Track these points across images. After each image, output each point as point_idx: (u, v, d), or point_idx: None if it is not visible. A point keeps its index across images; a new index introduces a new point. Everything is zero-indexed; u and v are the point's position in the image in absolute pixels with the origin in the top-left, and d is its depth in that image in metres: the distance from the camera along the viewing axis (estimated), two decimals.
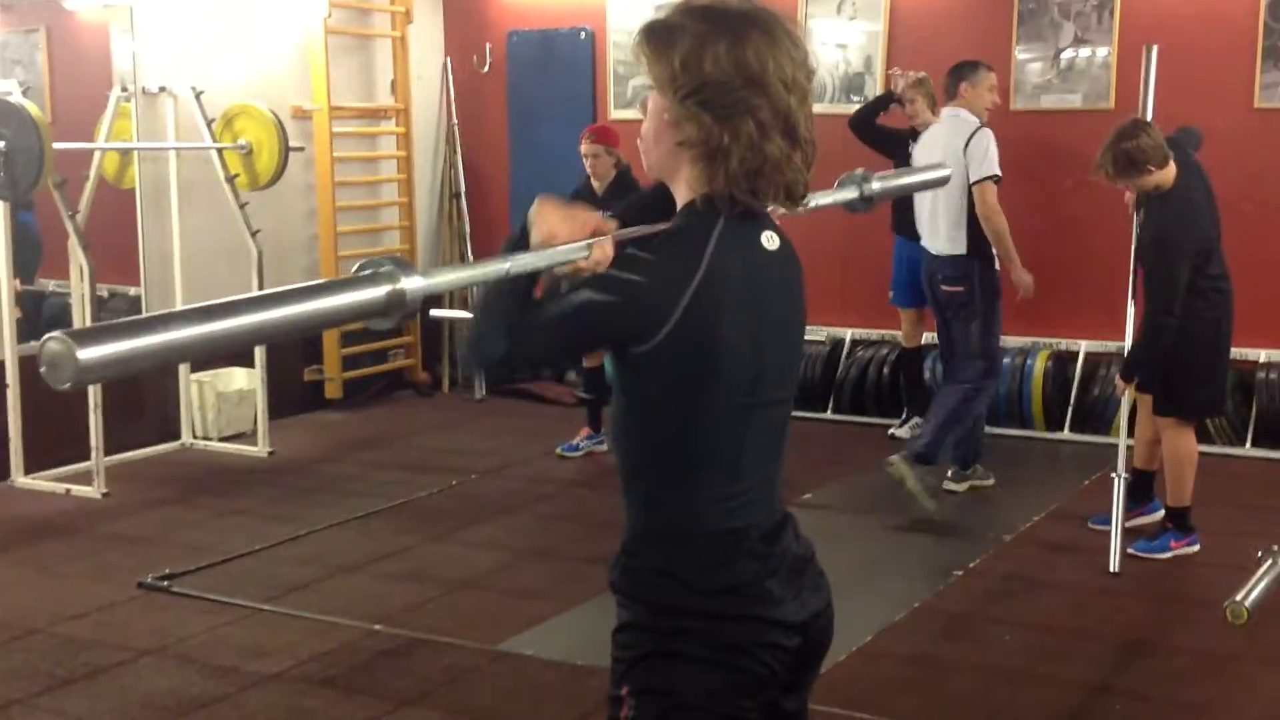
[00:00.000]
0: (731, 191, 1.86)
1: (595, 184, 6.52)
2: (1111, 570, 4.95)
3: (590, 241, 1.83)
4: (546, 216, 1.88)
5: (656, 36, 1.88)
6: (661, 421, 1.92)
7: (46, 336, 1.46)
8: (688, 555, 1.92)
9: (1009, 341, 7.31)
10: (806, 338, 7.60)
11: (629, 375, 1.91)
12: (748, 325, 1.89)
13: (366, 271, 1.70)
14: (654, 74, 1.88)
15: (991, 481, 6.14)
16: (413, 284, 1.70)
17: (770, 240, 1.96)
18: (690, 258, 1.85)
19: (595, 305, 1.83)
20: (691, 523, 1.93)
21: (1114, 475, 5.04)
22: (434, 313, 8.12)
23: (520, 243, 1.89)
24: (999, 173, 5.97)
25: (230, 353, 7.24)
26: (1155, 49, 5.28)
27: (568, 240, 1.83)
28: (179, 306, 7.03)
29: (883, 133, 6.92)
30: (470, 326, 1.93)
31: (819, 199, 2.18)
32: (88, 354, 1.44)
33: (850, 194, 2.31)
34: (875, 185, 2.33)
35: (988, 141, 5.96)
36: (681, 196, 1.94)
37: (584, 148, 6.52)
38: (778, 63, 1.84)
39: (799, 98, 1.88)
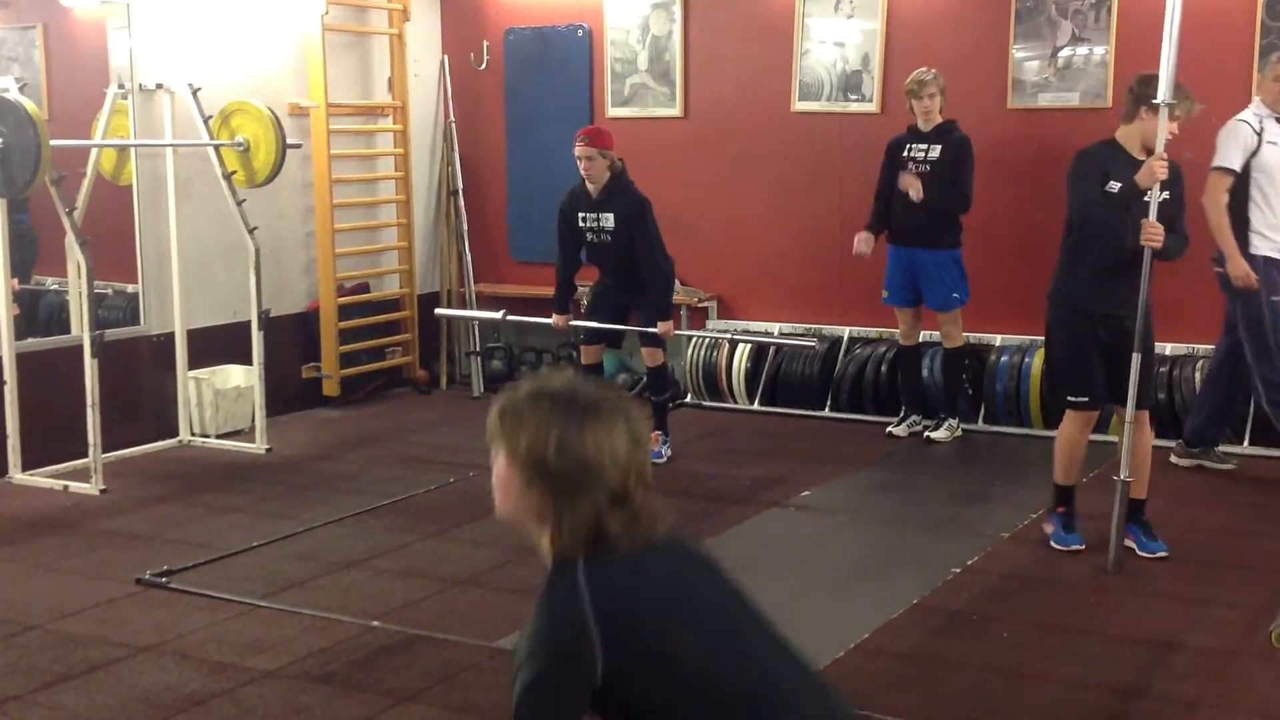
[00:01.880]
0: (576, 546, 2.00)
1: (590, 187, 6.51)
2: (1109, 569, 4.96)
3: None
4: None
5: (509, 418, 2.05)
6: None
7: None
8: None
9: (1006, 340, 7.33)
10: (803, 339, 7.65)
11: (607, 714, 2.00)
12: (678, 612, 2.01)
13: None
14: (502, 446, 2.05)
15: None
16: None
17: (649, 553, 2.05)
18: (571, 601, 1.96)
19: (535, 684, 1.94)
20: None
21: (1115, 478, 5.02)
22: (438, 312, 8.12)
23: None
24: (1230, 165, 5.96)
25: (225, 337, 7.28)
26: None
27: None
28: (177, 303, 7.04)
29: (887, 169, 6.98)
30: None
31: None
32: None
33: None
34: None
35: (1229, 131, 5.99)
36: (545, 555, 2.06)
37: (578, 150, 6.48)
38: (613, 447, 2.00)
39: (635, 479, 2.02)
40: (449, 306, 8.80)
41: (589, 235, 6.59)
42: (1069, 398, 5.25)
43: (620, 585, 1.99)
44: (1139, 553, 5.14)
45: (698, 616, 2.02)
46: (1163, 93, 4.94)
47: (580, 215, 6.58)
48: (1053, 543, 5.25)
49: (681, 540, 2.12)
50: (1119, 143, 5.15)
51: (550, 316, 6.86)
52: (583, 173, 6.50)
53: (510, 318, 7.37)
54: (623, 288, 6.66)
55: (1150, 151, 5.00)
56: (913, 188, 6.75)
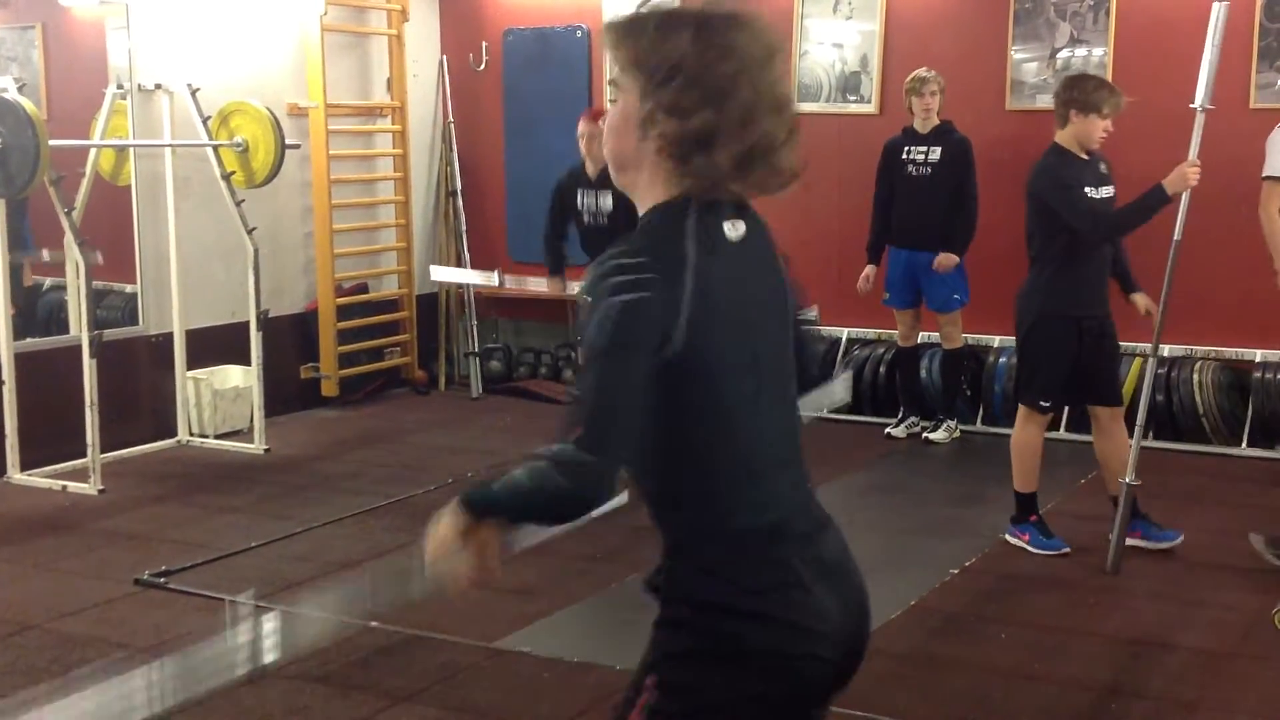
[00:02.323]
0: (713, 183, 1.84)
1: (589, 166, 6.49)
2: (1108, 569, 4.96)
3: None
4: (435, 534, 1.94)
5: (631, 30, 1.87)
6: (676, 430, 1.90)
7: None
8: (728, 553, 1.92)
9: (1005, 341, 7.33)
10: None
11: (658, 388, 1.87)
12: (735, 314, 1.89)
13: None
14: (630, 60, 1.85)
15: None
16: None
17: (734, 228, 1.94)
18: (674, 249, 1.83)
19: (628, 307, 1.77)
20: (725, 523, 1.93)
21: (1121, 480, 5.02)
22: (434, 272, 8.12)
23: None
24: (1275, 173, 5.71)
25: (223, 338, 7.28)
26: (1223, 7, 5.01)
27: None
28: (176, 303, 7.04)
29: (885, 173, 6.98)
30: (534, 488, 1.87)
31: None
32: None
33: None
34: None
35: (1277, 137, 5.74)
36: (644, 201, 1.91)
37: (581, 127, 6.48)
38: (754, 43, 1.83)
39: (770, 100, 1.85)
40: (448, 307, 8.80)
41: (586, 217, 6.57)
42: (1041, 403, 5.26)
43: (717, 261, 1.83)
44: (1153, 546, 5.15)
45: (747, 338, 1.90)
46: (1200, 98, 4.94)
47: (579, 193, 6.55)
48: (1033, 550, 5.23)
49: (770, 240, 2.01)
50: (1064, 147, 5.17)
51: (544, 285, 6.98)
52: (584, 151, 6.47)
53: (507, 278, 7.38)
54: None
55: (1089, 152, 5.13)
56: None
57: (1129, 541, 5.24)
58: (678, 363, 1.81)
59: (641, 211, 1.92)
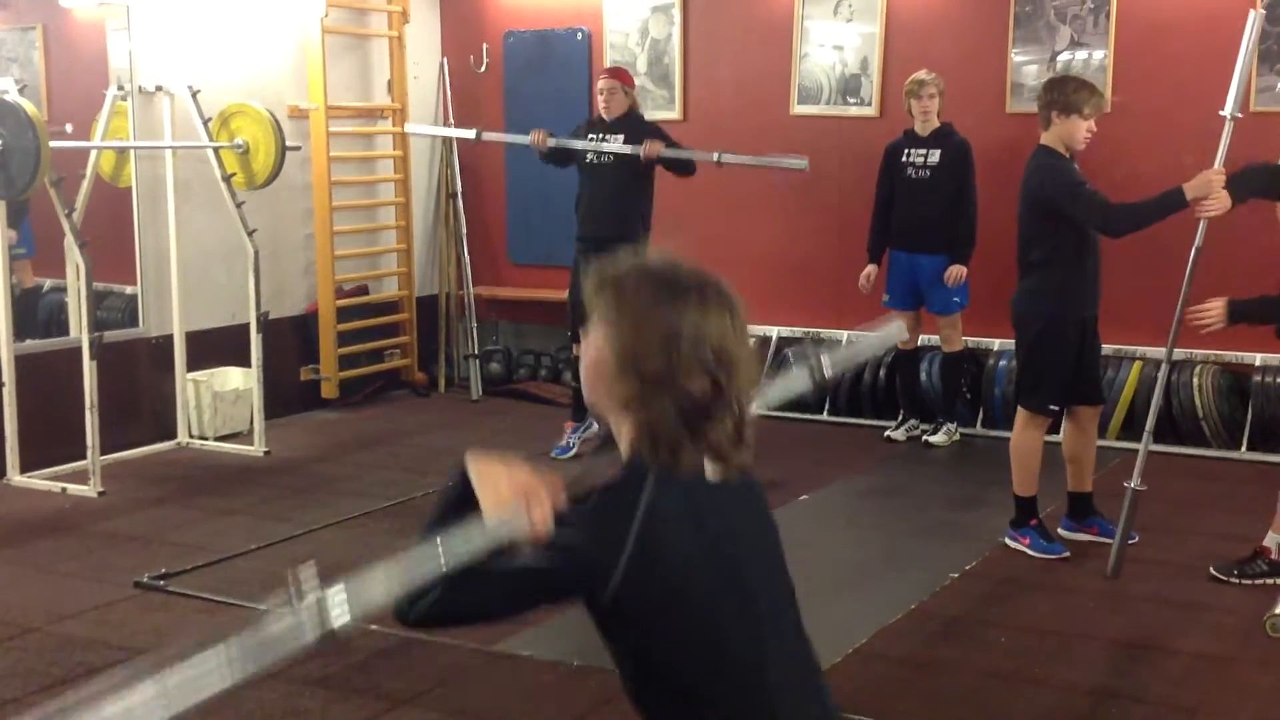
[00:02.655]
0: (657, 453, 1.87)
1: (605, 115, 6.72)
2: (1109, 574, 4.95)
3: (531, 512, 1.80)
4: (491, 477, 1.86)
5: (608, 292, 1.90)
6: (669, 672, 1.90)
7: None
8: None
9: (1005, 344, 7.33)
10: (804, 346, 7.66)
11: (613, 635, 1.92)
12: (710, 558, 1.89)
13: (285, 619, 1.67)
14: (601, 327, 1.91)
15: None
16: (341, 618, 1.68)
17: (713, 470, 1.94)
18: (624, 513, 1.84)
19: (536, 573, 1.83)
20: None
21: (1125, 484, 5.02)
22: (409, 128, 8.16)
23: (458, 501, 1.89)
24: None
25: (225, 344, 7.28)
26: (1259, 16, 5.06)
27: (512, 504, 1.81)
28: (176, 305, 7.02)
29: (886, 175, 6.99)
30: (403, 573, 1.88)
31: (768, 395, 2.18)
32: None
33: (803, 383, 2.26)
34: (828, 369, 2.27)
35: None
36: (620, 440, 1.94)
37: (601, 83, 6.79)
38: (714, 338, 1.87)
39: (734, 366, 1.89)
40: (448, 310, 8.81)
41: (589, 156, 6.70)
42: (1049, 406, 5.27)
43: (676, 519, 1.86)
44: (1109, 541, 5.14)
45: (734, 582, 1.91)
46: (1230, 106, 4.91)
47: (589, 135, 6.77)
48: (1033, 554, 5.24)
49: (753, 483, 2.00)
50: (1052, 148, 5.17)
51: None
52: (602, 105, 6.75)
53: (485, 135, 7.45)
54: (606, 232, 6.55)
55: (1071, 153, 5.16)
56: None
57: (1085, 536, 5.36)
58: (630, 601, 1.84)
59: (620, 444, 1.94)
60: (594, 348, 1.91)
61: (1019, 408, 5.39)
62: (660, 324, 1.85)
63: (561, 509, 1.81)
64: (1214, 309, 4.77)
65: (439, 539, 1.80)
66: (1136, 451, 5.06)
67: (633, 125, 6.71)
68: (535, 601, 1.93)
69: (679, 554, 1.86)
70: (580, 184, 6.78)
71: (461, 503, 1.88)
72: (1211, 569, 4.96)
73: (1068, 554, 5.23)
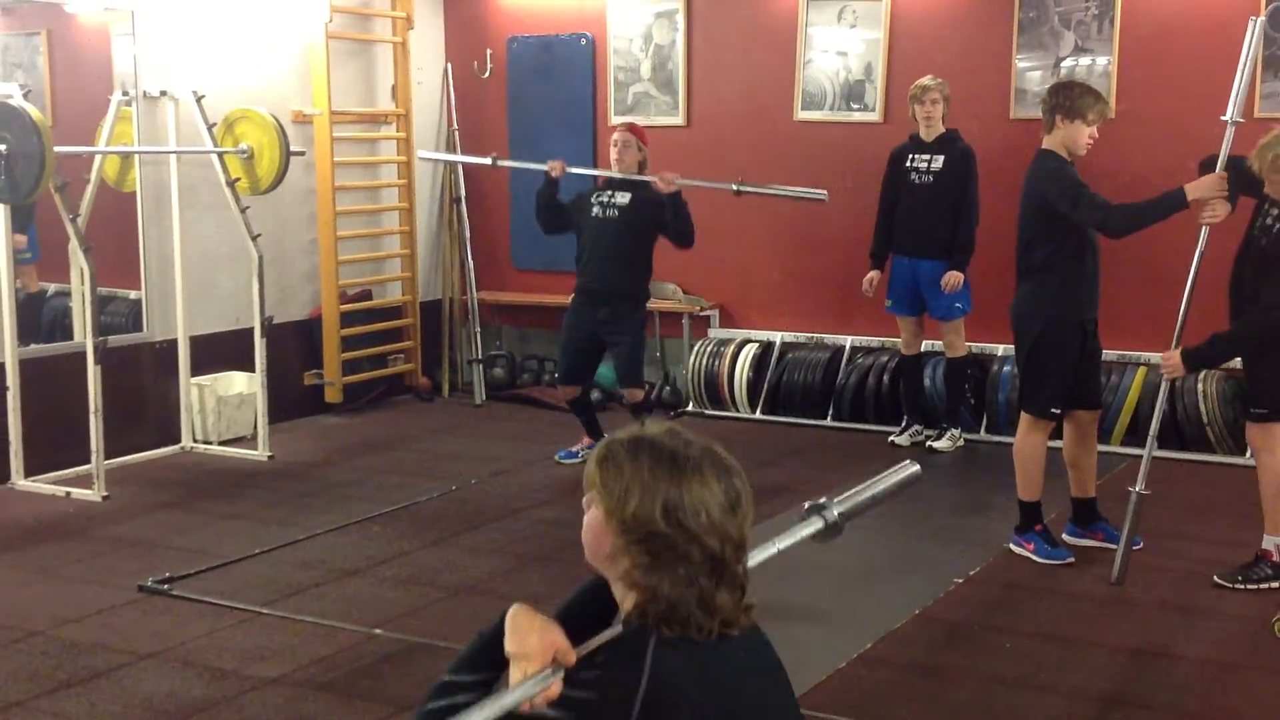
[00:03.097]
0: (659, 625, 1.91)
1: (616, 169, 6.69)
2: (1114, 580, 4.95)
3: (541, 678, 1.85)
4: (520, 630, 1.92)
5: (610, 469, 1.95)
6: None
7: None
8: None
9: (1008, 350, 7.33)
10: (808, 352, 7.67)
11: None
12: (719, 713, 1.90)
13: None
14: (601, 501, 1.96)
15: None
16: None
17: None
18: (632, 666, 1.88)
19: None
20: None
21: (1130, 489, 5.02)
22: (421, 154, 8.17)
23: (491, 637, 1.97)
24: None
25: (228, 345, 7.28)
26: (1260, 21, 5.08)
27: (535, 665, 1.86)
28: (180, 310, 7.04)
29: (890, 180, 7.00)
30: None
31: (777, 544, 2.19)
32: None
33: (814, 527, 2.25)
34: (835, 511, 2.26)
35: None
36: (622, 604, 1.98)
37: (616, 136, 6.75)
38: (716, 517, 1.91)
39: (733, 548, 1.93)
40: (451, 314, 8.81)
41: (595, 209, 6.68)
42: (1052, 410, 5.28)
43: (682, 683, 1.89)
44: (1113, 546, 5.16)
45: None
46: (1231, 111, 4.91)
47: (595, 195, 6.74)
48: (1038, 559, 5.24)
49: (758, 636, 2.02)
50: (1054, 152, 5.19)
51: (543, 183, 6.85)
52: (615, 158, 6.71)
53: (500, 162, 7.41)
54: (608, 285, 6.64)
55: (1073, 158, 5.18)
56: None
57: (1089, 542, 5.36)
58: None
59: (618, 602, 1.98)
60: (595, 519, 1.97)
61: (1022, 413, 5.38)
62: (662, 497, 1.90)
63: (572, 667, 1.88)
64: (1171, 361, 4.90)
65: (460, 674, 1.95)
66: (1141, 457, 5.06)
67: (641, 185, 6.62)
68: None
69: (690, 703, 1.88)
70: (583, 237, 6.74)
71: (494, 642, 1.94)
72: (1215, 578, 4.95)
73: (1072, 559, 5.23)
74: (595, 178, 6.92)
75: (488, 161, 7.41)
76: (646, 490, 1.91)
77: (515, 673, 1.88)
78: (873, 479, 2.35)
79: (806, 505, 2.28)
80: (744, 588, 1.96)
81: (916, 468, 2.50)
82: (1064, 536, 5.43)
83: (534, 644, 1.88)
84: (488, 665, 1.96)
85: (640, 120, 8.20)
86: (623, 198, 6.62)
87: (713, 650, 1.92)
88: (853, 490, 2.32)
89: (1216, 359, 4.94)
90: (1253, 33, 4.95)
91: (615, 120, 8.29)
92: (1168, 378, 5.03)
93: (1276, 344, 4.81)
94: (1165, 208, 5.02)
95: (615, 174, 6.70)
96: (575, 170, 6.85)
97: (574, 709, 1.86)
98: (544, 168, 6.78)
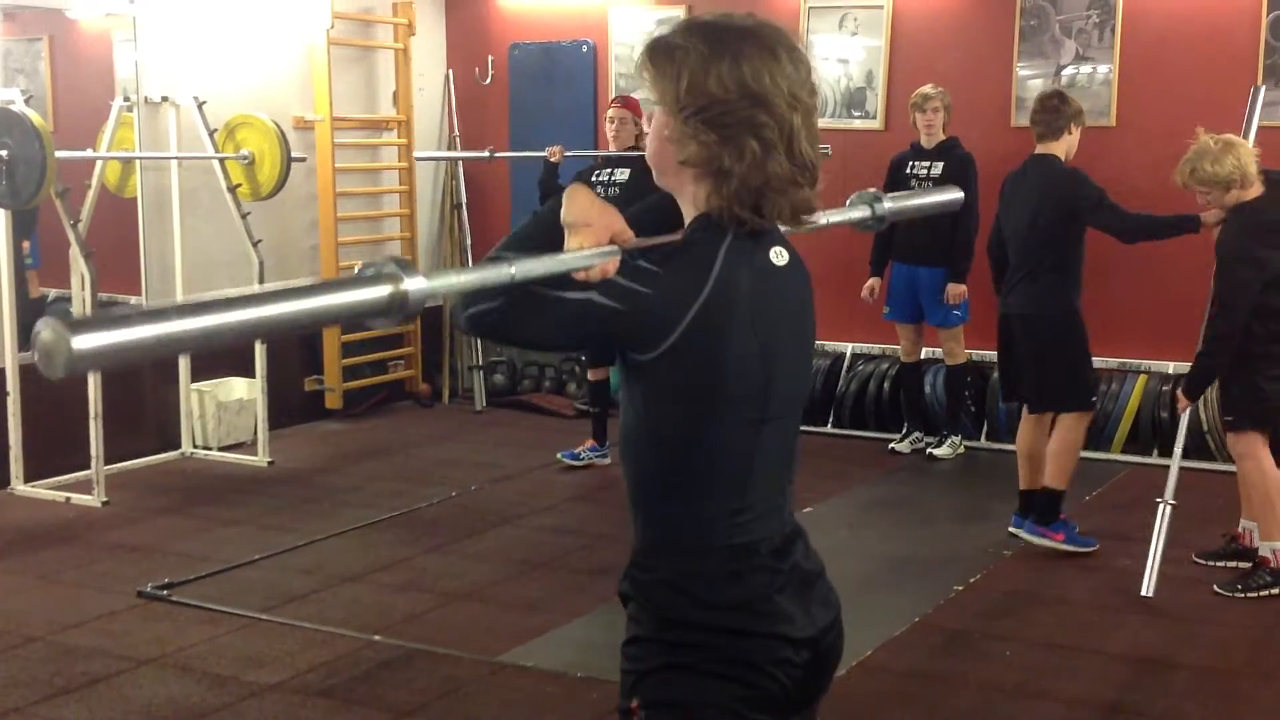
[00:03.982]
0: (735, 210, 1.87)
1: (612, 145, 6.71)
2: (1144, 592, 4.86)
3: (601, 251, 1.81)
4: (581, 203, 1.86)
5: (660, 55, 1.88)
6: (669, 434, 1.92)
7: (39, 323, 1.43)
8: (697, 570, 1.92)
9: None
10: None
11: (635, 384, 1.91)
12: (756, 341, 1.89)
13: (369, 271, 1.65)
14: (657, 92, 1.88)
15: None
16: (415, 285, 1.66)
17: (779, 255, 1.96)
18: (698, 273, 1.85)
19: (599, 307, 1.82)
20: (701, 537, 1.93)
21: (1157, 500, 5.03)
22: (418, 155, 8.17)
23: (549, 218, 1.92)
24: None
25: (227, 349, 7.26)
26: (1262, 90, 5.46)
27: (593, 237, 1.82)
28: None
29: (890, 187, 6.99)
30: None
31: (829, 217, 2.17)
32: (81, 341, 1.41)
33: (862, 213, 2.31)
34: (887, 205, 2.31)
35: None
36: (688, 211, 1.95)
37: (611, 112, 6.75)
38: (780, 80, 1.84)
39: (802, 115, 1.88)
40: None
41: (596, 190, 6.59)
42: (1091, 399, 5.53)
43: (738, 297, 1.85)
44: (1075, 549, 5.38)
45: (765, 369, 1.90)
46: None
47: (594, 174, 6.76)
48: (1067, 548, 5.36)
49: (804, 270, 2.02)
50: (1059, 158, 5.41)
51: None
52: (611, 135, 6.72)
53: (497, 154, 7.48)
54: None
55: (1068, 161, 5.41)
56: None
57: (1050, 543, 5.41)
58: (675, 360, 1.84)
59: (686, 218, 1.94)
60: (656, 121, 1.90)
61: (1064, 411, 5.41)
62: (722, 64, 1.82)
63: (631, 255, 1.83)
64: (1180, 401, 5.14)
65: (516, 252, 1.81)
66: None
67: (639, 160, 6.67)
68: (587, 338, 1.96)
69: (736, 325, 1.86)
70: None
71: (551, 225, 1.89)
72: (1215, 588, 4.95)
73: (1098, 546, 5.35)
74: (595, 158, 6.99)
75: (485, 155, 7.44)
76: (703, 60, 1.82)
77: (572, 242, 1.82)
78: (917, 193, 2.47)
79: (857, 193, 2.33)
80: (815, 175, 1.92)
81: (959, 194, 2.63)
82: (1011, 529, 5.53)
83: (595, 215, 1.83)
84: (541, 244, 1.87)
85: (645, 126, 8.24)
86: (622, 174, 6.68)
87: (771, 274, 1.92)
88: (901, 193, 2.47)
89: (1205, 374, 5.07)
90: (1255, 101, 5.23)
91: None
92: (1183, 411, 5.19)
93: (1241, 351, 4.88)
94: (1178, 228, 5.27)
95: (613, 152, 6.71)
96: (574, 154, 6.90)
97: (626, 299, 1.81)
98: (543, 154, 6.85)
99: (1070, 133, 5.37)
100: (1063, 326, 5.36)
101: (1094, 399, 5.58)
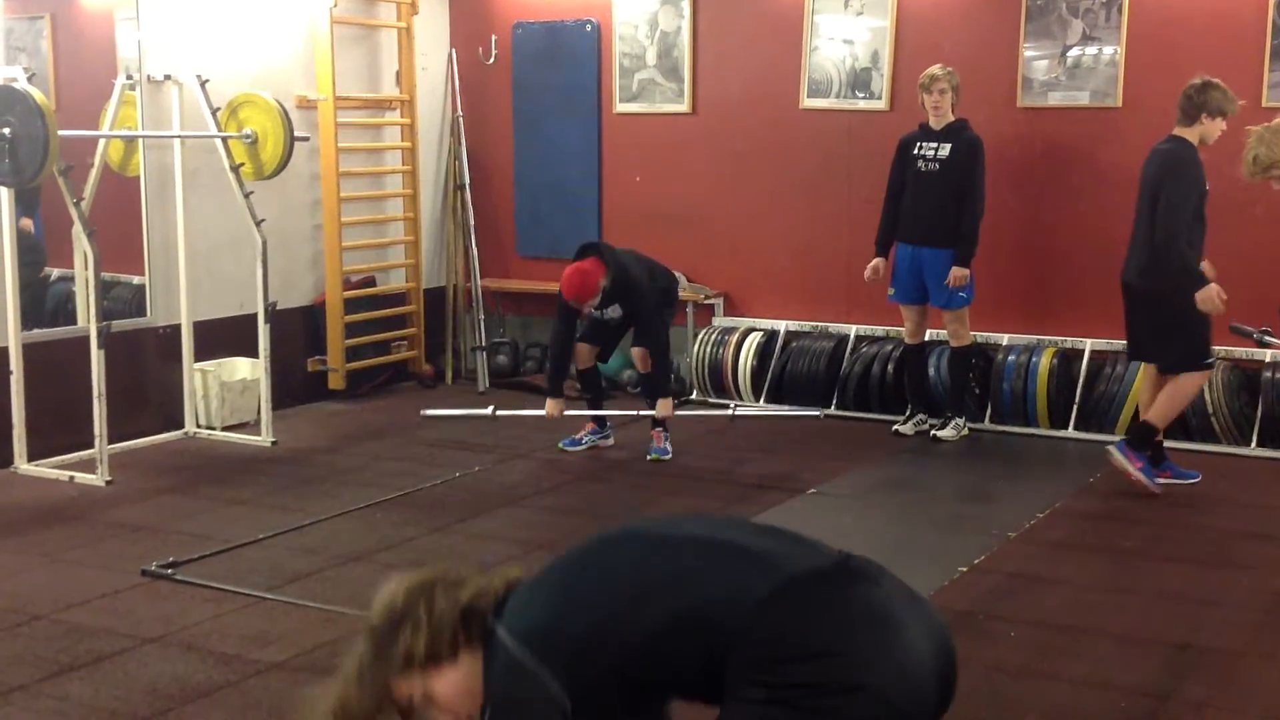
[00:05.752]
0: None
1: (594, 301, 6.54)
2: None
3: None
4: None
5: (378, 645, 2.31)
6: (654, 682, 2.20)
7: None
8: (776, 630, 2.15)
9: (1014, 339, 7.33)
10: (812, 340, 7.67)
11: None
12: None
13: None
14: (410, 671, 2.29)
15: None
16: None
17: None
18: (532, 677, 2.16)
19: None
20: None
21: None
22: (425, 412, 7.94)
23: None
24: None
25: (230, 329, 7.26)
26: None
27: None
28: (184, 295, 7.05)
29: (898, 167, 6.96)
30: None
31: None
32: None
33: None
34: None
35: None
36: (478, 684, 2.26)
37: (581, 308, 6.57)
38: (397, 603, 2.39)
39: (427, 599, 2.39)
40: (455, 302, 8.80)
41: (594, 313, 6.66)
42: (1206, 360, 5.96)
43: (546, 635, 2.17)
44: (1181, 483, 6.02)
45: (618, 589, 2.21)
46: None
47: (588, 312, 6.67)
48: (1175, 480, 6.00)
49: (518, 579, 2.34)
50: (1192, 143, 5.88)
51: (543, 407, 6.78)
52: (587, 310, 6.61)
53: (501, 412, 7.32)
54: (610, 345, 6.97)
55: (1203, 146, 5.86)
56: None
57: (1127, 466, 5.88)
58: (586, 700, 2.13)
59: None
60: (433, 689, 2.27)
61: (1184, 371, 5.93)
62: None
63: None
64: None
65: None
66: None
67: (626, 298, 6.57)
68: None
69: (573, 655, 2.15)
70: (586, 327, 6.81)
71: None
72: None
73: (1200, 477, 6.03)
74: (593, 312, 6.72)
75: (487, 412, 7.34)
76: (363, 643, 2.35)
77: None
78: None
79: None
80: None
81: None
82: (1111, 450, 5.97)
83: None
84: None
85: (645, 108, 8.22)
86: (613, 311, 6.62)
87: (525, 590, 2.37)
88: None
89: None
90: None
91: (620, 108, 8.28)
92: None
93: None
94: (1188, 273, 5.80)
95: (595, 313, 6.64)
96: (571, 412, 6.78)
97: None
98: (541, 413, 6.76)
99: (1203, 122, 5.82)
100: (1183, 289, 5.75)
101: (1209, 360, 5.97)
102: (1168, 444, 6.24)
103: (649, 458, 6.60)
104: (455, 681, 2.21)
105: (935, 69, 6.84)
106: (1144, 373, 6.31)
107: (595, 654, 2.10)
